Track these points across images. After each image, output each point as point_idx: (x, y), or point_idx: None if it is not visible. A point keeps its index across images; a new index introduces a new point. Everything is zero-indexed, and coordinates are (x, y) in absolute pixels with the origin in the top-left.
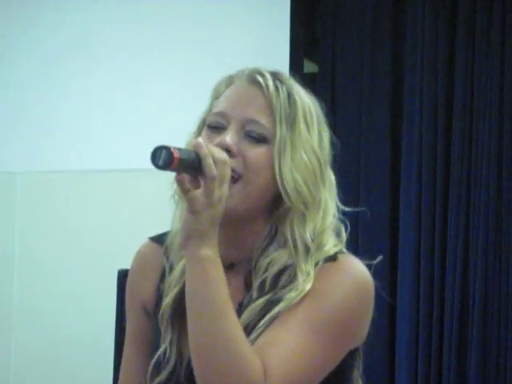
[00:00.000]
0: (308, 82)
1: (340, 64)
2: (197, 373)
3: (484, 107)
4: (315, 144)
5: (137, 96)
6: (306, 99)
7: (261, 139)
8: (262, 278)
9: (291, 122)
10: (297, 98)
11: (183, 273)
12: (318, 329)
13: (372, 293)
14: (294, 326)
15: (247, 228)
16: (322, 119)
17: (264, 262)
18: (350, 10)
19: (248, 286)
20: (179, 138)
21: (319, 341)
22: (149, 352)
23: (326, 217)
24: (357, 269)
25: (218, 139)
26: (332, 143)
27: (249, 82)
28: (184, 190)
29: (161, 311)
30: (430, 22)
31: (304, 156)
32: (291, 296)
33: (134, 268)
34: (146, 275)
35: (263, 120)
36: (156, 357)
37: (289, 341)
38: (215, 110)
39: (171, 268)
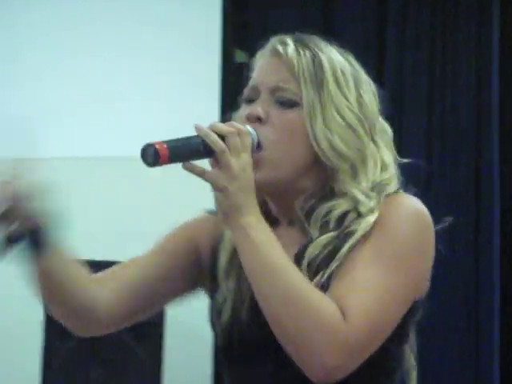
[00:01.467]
0: (239, 72)
1: None
2: (276, 331)
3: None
4: (351, 101)
5: (102, 86)
6: (337, 60)
7: (291, 104)
8: (324, 220)
9: (318, 84)
10: (323, 60)
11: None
12: (389, 263)
13: (432, 228)
14: (365, 264)
15: (293, 193)
16: (362, 78)
17: (323, 208)
18: (281, 0)
19: (304, 236)
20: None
21: (393, 275)
22: (161, 268)
23: (384, 169)
24: (418, 205)
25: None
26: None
27: (271, 52)
28: (199, 175)
29: (218, 269)
30: (359, 14)
31: (336, 115)
32: (360, 227)
33: (200, 220)
34: (207, 234)
35: (289, 85)
36: (217, 303)
37: (363, 279)
38: (248, 85)
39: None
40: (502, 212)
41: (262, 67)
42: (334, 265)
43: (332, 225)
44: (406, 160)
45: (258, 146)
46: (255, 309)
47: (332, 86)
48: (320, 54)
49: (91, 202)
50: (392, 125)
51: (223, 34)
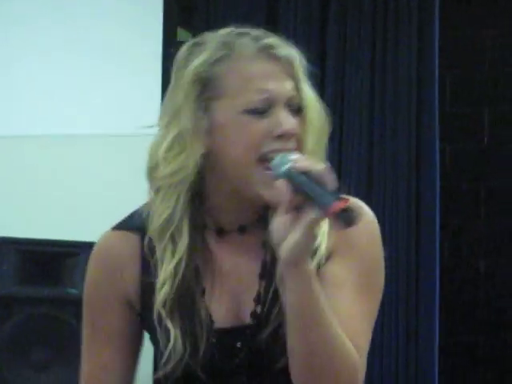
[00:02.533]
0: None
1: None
2: (305, 373)
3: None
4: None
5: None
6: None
7: (300, 109)
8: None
9: (307, 83)
10: (299, 54)
11: (177, 266)
12: (367, 288)
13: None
14: (349, 294)
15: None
16: None
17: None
18: None
19: (266, 245)
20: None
21: (374, 299)
22: (131, 350)
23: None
24: (371, 215)
25: (283, 126)
26: None
27: (270, 57)
28: (313, 221)
29: (156, 308)
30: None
31: (321, 116)
32: (320, 246)
33: (105, 261)
34: (124, 267)
35: (297, 92)
36: (167, 353)
37: (360, 314)
38: (255, 95)
39: (157, 261)
40: (443, 188)
41: (266, 75)
42: None
43: None
44: None
45: None
46: (216, 345)
47: (309, 86)
48: (295, 48)
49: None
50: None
51: (165, 13)
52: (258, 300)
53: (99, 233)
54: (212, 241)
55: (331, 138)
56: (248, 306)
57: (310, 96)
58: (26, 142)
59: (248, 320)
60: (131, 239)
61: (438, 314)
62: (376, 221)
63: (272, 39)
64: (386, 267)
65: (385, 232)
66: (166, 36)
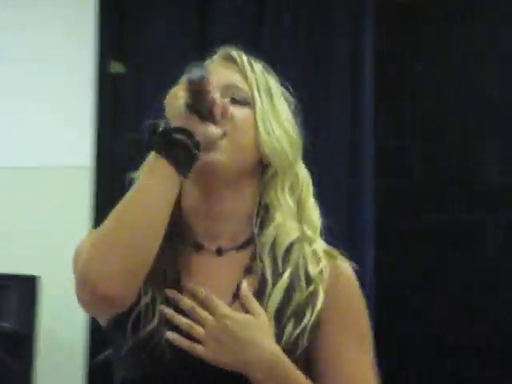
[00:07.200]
0: (114, 82)
1: (147, 64)
2: None
3: None
4: (292, 120)
5: None
6: (279, 86)
7: (244, 102)
8: (271, 257)
9: (269, 93)
10: (271, 75)
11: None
12: (362, 341)
13: None
14: (348, 350)
15: (232, 195)
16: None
17: (267, 239)
18: (156, 13)
19: (236, 267)
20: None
21: (369, 350)
22: None
23: (308, 188)
24: (349, 272)
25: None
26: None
27: (223, 58)
28: None
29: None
30: (237, 29)
31: (286, 124)
32: (318, 301)
33: None
34: None
35: (242, 85)
36: (135, 313)
37: (361, 373)
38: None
39: None
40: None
41: (213, 68)
42: (304, 323)
43: (280, 260)
44: None
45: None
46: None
47: (279, 100)
48: (266, 70)
49: None
50: None
51: (98, 44)
52: None
53: (30, 265)
54: (190, 256)
55: None
56: None
57: (259, 99)
58: None
59: None
60: None
61: None
62: (353, 276)
63: (232, 49)
64: None
65: None
66: (98, 68)
